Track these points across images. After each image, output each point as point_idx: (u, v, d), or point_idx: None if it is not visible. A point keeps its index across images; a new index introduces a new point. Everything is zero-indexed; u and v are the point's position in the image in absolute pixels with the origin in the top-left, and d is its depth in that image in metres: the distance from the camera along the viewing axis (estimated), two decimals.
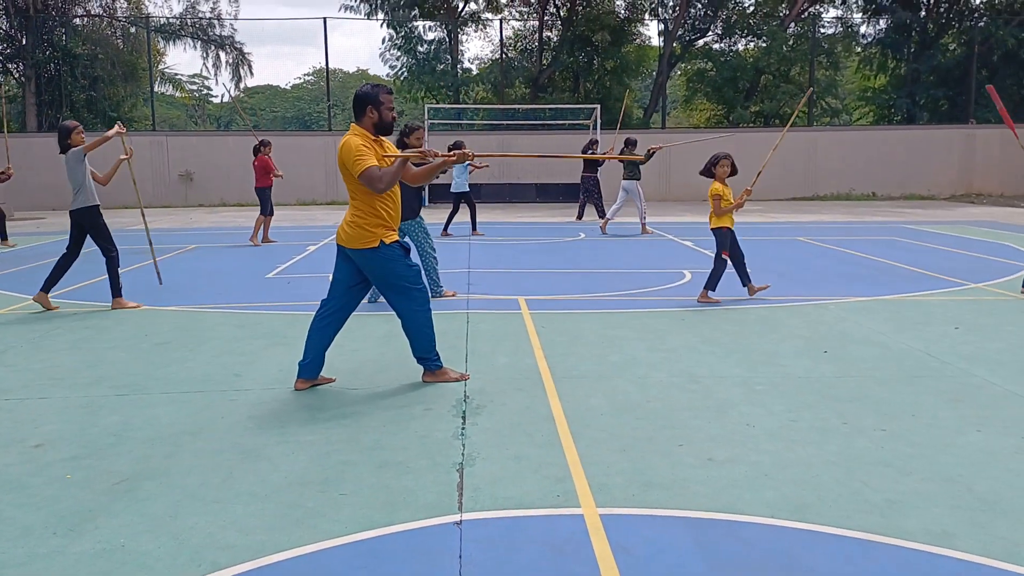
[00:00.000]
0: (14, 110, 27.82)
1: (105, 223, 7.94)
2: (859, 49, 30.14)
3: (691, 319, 7.26)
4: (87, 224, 7.85)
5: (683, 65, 31.34)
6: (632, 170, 14.56)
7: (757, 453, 4.03)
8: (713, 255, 8.14)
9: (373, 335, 6.65)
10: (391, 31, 29.08)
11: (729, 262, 8.02)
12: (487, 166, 14.35)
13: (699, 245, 12.85)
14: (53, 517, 3.40)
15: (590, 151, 16.59)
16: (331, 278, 5.28)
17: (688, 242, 13.34)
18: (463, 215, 14.78)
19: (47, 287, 7.90)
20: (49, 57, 26.87)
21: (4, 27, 26.87)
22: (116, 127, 8.12)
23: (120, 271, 8.04)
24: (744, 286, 8.18)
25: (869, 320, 7.17)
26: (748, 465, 3.88)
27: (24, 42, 26.65)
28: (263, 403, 4.93)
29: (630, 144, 14.85)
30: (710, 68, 29.82)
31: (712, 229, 8.09)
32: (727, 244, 7.99)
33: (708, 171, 8.01)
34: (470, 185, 14.76)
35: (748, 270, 8.21)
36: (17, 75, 27.33)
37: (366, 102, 5.02)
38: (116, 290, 7.97)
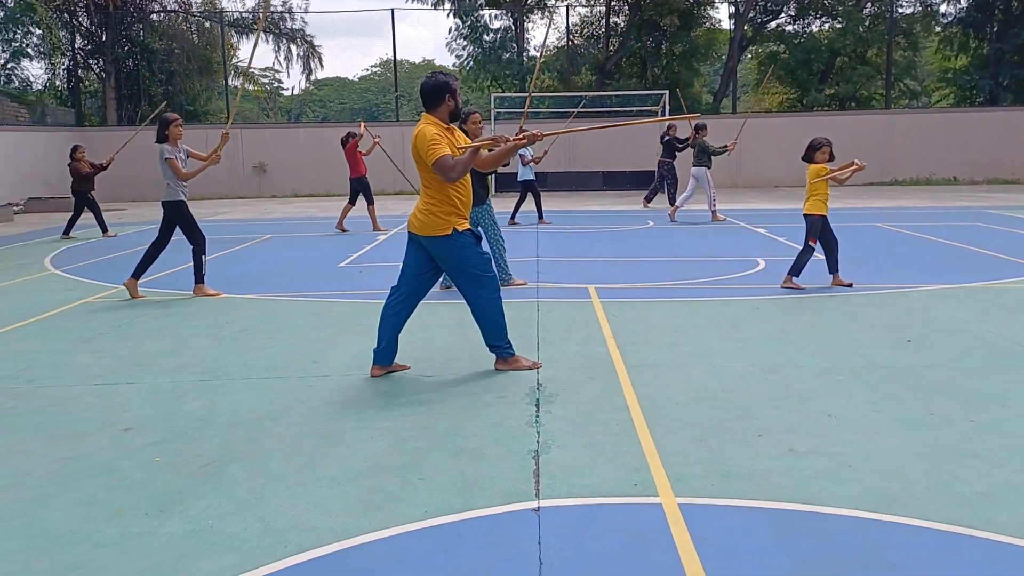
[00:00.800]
0: (95, 104, 28.85)
1: (191, 215, 8.19)
2: (939, 29, 29.09)
3: (767, 308, 7.14)
4: (174, 215, 8.11)
5: (755, 48, 30.72)
6: (702, 157, 14.36)
7: (840, 444, 3.95)
8: (802, 242, 7.99)
9: (444, 323, 6.71)
10: (457, 20, 29.20)
11: (820, 249, 7.90)
12: (547, 144, 14.26)
13: (772, 232, 12.62)
14: (143, 499, 3.53)
15: (667, 136, 16.42)
16: (401, 265, 5.34)
17: (761, 229, 13.11)
18: (529, 204, 14.79)
19: (137, 274, 8.20)
20: (128, 52, 27.75)
21: (85, 24, 27.81)
22: (215, 154, 8.17)
23: (204, 259, 8.28)
24: (830, 273, 8.02)
25: (954, 308, 6.95)
26: (830, 456, 3.80)
27: (104, 38, 27.56)
28: (340, 389, 5.03)
29: (700, 129, 14.63)
30: (783, 51, 29.15)
31: (805, 215, 7.93)
32: (817, 232, 7.83)
33: (809, 157, 7.83)
34: (536, 174, 14.74)
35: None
36: (98, 70, 28.29)
37: (444, 91, 5.06)
38: (199, 277, 8.23)
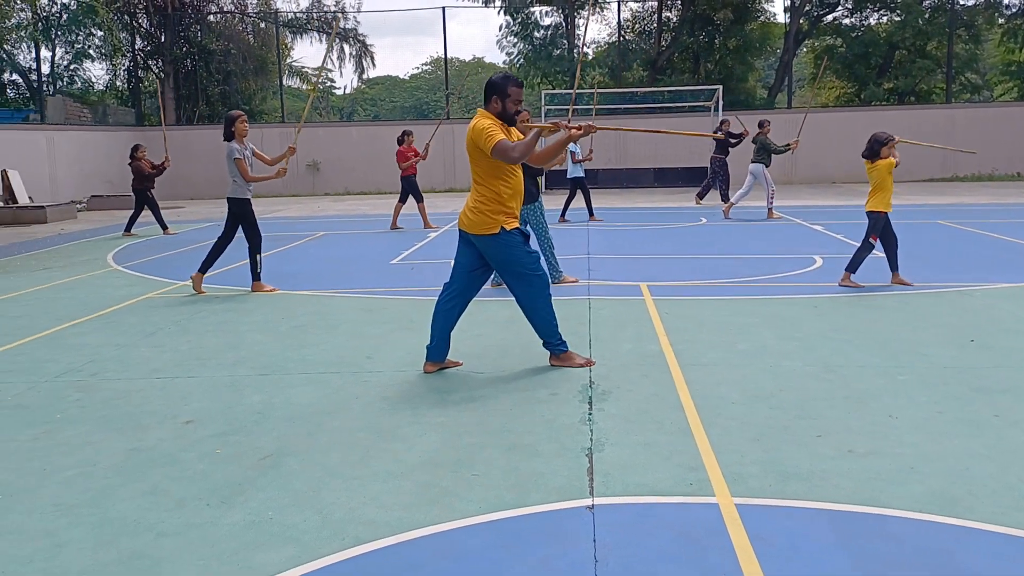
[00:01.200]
0: (154, 104, 29.51)
1: (253, 212, 8.35)
2: (1002, 20, 28.20)
3: (824, 306, 7.02)
4: (238, 211, 8.27)
5: (811, 42, 30.19)
6: (761, 154, 14.11)
7: (901, 445, 3.87)
8: (862, 239, 7.83)
9: (496, 319, 6.73)
10: (508, 18, 29.25)
11: (879, 246, 7.75)
12: (591, 143, 14.32)
13: (830, 229, 12.39)
14: (205, 490, 3.60)
15: (719, 131, 16.25)
16: (453, 262, 5.37)
17: (818, 226, 12.89)
18: (579, 201, 14.74)
19: (204, 268, 8.40)
20: (186, 53, 28.36)
21: (144, 25, 28.47)
22: (281, 166, 8.33)
23: (261, 256, 8.43)
24: (891, 271, 7.86)
25: (1018, 307, 6.75)
26: (892, 458, 3.72)
27: (163, 39, 28.19)
28: (394, 385, 5.07)
29: (763, 125, 14.37)
30: (840, 44, 28.60)
31: (868, 212, 7.76)
32: (879, 229, 7.67)
33: (874, 153, 7.64)
34: (585, 171, 14.69)
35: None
36: (157, 71, 28.94)
37: (493, 91, 5.09)
38: (256, 274, 8.38)
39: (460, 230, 5.27)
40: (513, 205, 5.15)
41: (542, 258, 5.54)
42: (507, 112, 5.12)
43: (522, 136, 5.26)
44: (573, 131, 5.11)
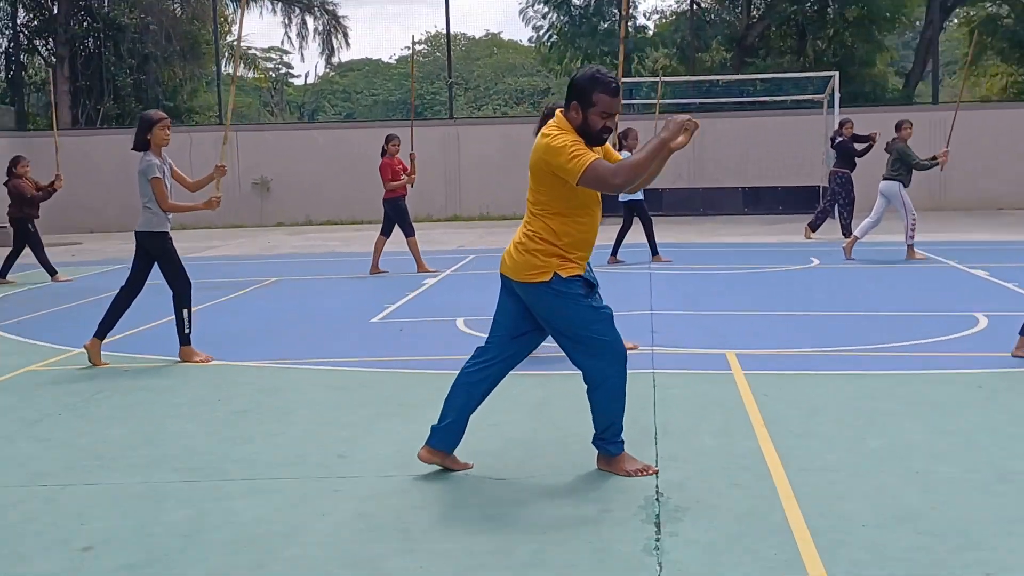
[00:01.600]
0: (42, 100, 30.05)
1: (175, 250, 8.47)
2: None
3: (993, 386, 7.00)
4: (154, 251, 8.38)
5: (964, 10, 30.42)
6: (898, 169, 14.06)
7: None
8: None
9: (524, 403, 6.74)
10: None
11: None
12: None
13: (996, 275, 12.36)
14: None
15: (839, 137, 16.31)
16: (492, 319, 5.40)
17: (979, 270, 12.87)
18: (637, 234, 14.81)
19: (102, 332, 8.48)
20: (87, 30, 28.91)
21: None
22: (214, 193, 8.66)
23: (190, 311, 8.50)
24: None
25: None
26: None
27: (55, 11, 28.70)
28: (377, 496, 5.07)
29: (900, 127, 14.25)
30: (1005, 14, 28.80)
31: None
32: None
33: None
34: (645, 192, 14.58)
35: None
36: (46, 54, 29.48)
37: (573, 96, 5.02)
38: (183, 336, 8.43)
39: (502, 275, 5.29)
40: (576, 248, 5.12)
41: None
42: (589, 127, 5.01)
43: (617, 157, 5.21)
44: (680, 139, 4.98)
